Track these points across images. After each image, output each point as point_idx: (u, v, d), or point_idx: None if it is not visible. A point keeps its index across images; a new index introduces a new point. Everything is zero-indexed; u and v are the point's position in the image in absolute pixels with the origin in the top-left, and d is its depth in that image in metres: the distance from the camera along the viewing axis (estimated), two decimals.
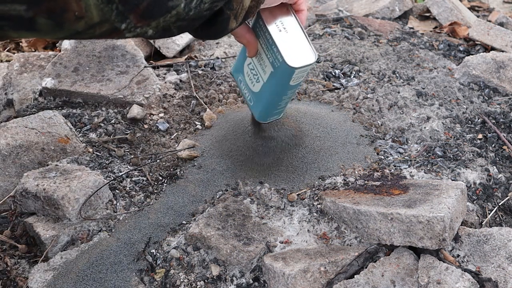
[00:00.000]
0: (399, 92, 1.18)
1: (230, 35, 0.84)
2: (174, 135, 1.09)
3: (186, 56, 1.36)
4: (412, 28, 1.62)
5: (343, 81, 1.27)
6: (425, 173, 0.95)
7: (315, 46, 1.42)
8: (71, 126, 1.07)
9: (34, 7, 0.47)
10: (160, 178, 0.97)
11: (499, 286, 0.73)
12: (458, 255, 0.79)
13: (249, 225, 0.84)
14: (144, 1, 0.54)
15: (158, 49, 1.40)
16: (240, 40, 0.86)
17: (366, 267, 0.76)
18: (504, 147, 1.04)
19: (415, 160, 0.99)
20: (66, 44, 1.27)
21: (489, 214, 0.91)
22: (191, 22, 0.63)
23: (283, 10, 0.83)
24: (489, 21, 1.72)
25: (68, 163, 0.98)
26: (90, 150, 1.03)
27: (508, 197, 0.94)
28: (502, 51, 1.40)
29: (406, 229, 0.75)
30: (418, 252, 0.78)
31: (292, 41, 0.82)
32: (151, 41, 1.41)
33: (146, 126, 1.11)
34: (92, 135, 1.07)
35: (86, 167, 0.95)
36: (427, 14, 1.73)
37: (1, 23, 0.47)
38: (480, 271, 0.76)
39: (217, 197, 0.91)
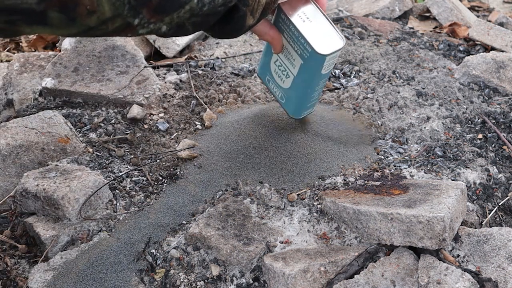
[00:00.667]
0: (399, 92, 1.18)
1: (251, 33, 0.83)
2: (174, 135, 1.09)
3: (186, 56, 1.36)
4: (412, 28, 1.62)
5: (343, 81, 1.27)
6: (425, 173, 0.95)
7: None
8: (71, 126, 1.07)
9: (46, 0, 0.46)
10: (160, 178, 0.97)
11: (499, 286, 0.73)
12: (458, 255, 0.79)
13: (249, 225, 0.84)
14: None
15: (158, 49, 1.40)
16: (263, 38, 0.85)
17: (366, 267, 0.76)
18: (504, 147, 1.04)
19: (415, 160, 0.99)
20: (66, 44, 1.27)
21: (489, 214, 0.91)
22: (205, 18, 0.61)
23: (302, 0, 0.83)
24: (489, 21, 1.72)
25: (68, 163, 0.98)
26: (90, 150, 1.03)
27: (508, 197, 0.94)
28: (502, 51, 1.40)
29: (406, 229, 0.75)
30: (418, 252, 0.78)
31: (317, 29, 0.82)
32: (151, 41, 1.41)
33: (146, 126, 1.11)
34: (92, 135, 1.07)
35: (86, 167, 0.95)
36: (427, 14, 1.73)
37: (13, 17, 0.47)
38: (480, 271, 0.76)
39: (217, 197, 0.91)
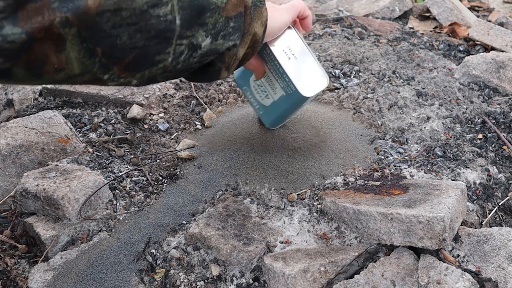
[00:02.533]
0: (399, 92, 1.18)
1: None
2: (174, 135, 1.09)
3: None
4: (412, 28, 1.62)
5: (343, 81, 1.27)
6: (425, 173, 0.95)
7: (315, 47, 1.42)
8: (71, 126, 1.07)
9: (11, 60, 0.45)
10: (160, 178, 0.97)
11: (499, 286, 0.73)
12: (458, 255, 0.79)
13: (249, 225, 0.84)
14: (130, 55, 0.52)
15: None
16: (246, 67, 0.84)
17: (366, 267, 0.76)
18: (504, 147, 1.04)
19: (415, 160, 0.99)
20: None
21: (489, 214, 0.91)
22: (178, 73, 0.60)
23: (287, 32, 0.82)
24: (489, 21, 1.72)
25: (68, 163, 0.98)
26: (90, 150, 1.03)
27: (508, 197, 0.94)
28: (502, 51, 1.40)
29: (406, 229, 0.75)
30: (418, 252, 0.78)
31: (302, 68, 0.81)
32: None
33: (146, 126, 1.11)
34: (92, 135, 1.07)
35: (86, 167, 0.95)
36: (427, 14, 1.73)
37: None
38: (480, 271, 0.76)
39: (217, 197, 0.91)
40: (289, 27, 0.83)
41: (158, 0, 0.52)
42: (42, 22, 0.45)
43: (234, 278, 0.77)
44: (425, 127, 1.08)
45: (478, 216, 0.90)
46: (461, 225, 0.83)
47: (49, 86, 1.17)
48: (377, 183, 0.89)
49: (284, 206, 0.88)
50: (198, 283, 0.77)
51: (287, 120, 0.97)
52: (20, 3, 0.44)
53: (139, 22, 0.51)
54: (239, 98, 1.19)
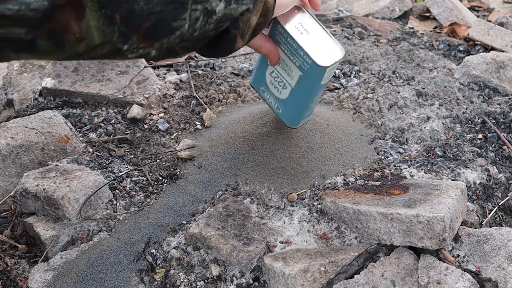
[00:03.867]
0: (399, 92, 1.18)
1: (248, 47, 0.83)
2: (174, 135, 1.09)
3: (186, 56, 1.36)
4: (412, 28, 1.62)
5: (343, 81, 1.27)
6: (425, 173, 0.95)
7: None
8: (71, 126, 1.07)
9: (34, 29, 0.46)
10: (160, 178, 0.97)
11: (499, 286, 0.73)
12: (458, 255, 0.79)
13: (249, 225, 0.84)
14: (147, 21, 0.53)
15: None
16: (259, 51, 0.84)
17: (366, 267, 0.76)
18: (504, 147, 1.04)
19: (415, 160, 0.99)
20: None
21: (489, 214, 0.91)
22: (195, 42, 0.62)
23: (297, 11, 0.83)
24: (489, 21, 1.72)
25: (68, 163, 0.98)
26: (90, 150, 1.03)
27: (508, 197, 0.94)
28: (502, 51, 1.40)
29: (406, 229, 0.75)
30: (418, 252, 0.78)
31: (316, 41, 0.82)
32: None
33: (146, 126, 1.11)
34: (92, 135, 1.07)
35: (86, 167, 0.95)
36: (427, 14, 1.73)
37: (1, 45, 0.46)
38: (480, 271, 0.76)
39: (217, 197, 0.91)
40: (298, 7, 0.83)
41: None
42: None
43: (234, 278, 0.77)
44: (425, 127, 1.08)
45: (478, 216, 0.90)
46: (461, 225, 0.83)
47: (49, 86, 1.17)
48: (377, 183, 0.89)
49: (284, 206, 0.88)
50: (198, 283, 0.77)
51: (307, 116, 0.95)
52: None
53: None
54: (239, 98, 1.19)
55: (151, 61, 1.34)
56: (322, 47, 0.82)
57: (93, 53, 0.53)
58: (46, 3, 0.45)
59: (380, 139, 1.06)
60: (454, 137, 1.06)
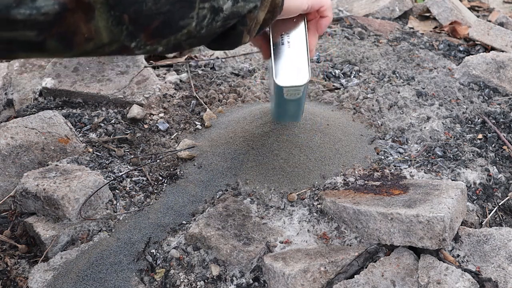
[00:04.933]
0: (399, 92, 1.18)
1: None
2: (174, 135, 1.09)
3: (186, 56, 1.36)
4: (412, 28, 1.62)
5: (343, 81, 1.27)
6: (425, 173, 0.95)
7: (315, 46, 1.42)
8: (71, 126, 1.07)
9: (45, 32, 0.47)
10: (160, 178, 0.97)
11: (499, 286, 0.73)
12: (458, 255, 0.79)
13: (249, 225, 0.84)
14: (155, 21, 0.54)
15: None
16: (254, 45, 0.87)
17: (366, 267, 0.76)
18: (504, 147, 1.04)
19: (415, 160, 0.99)
20: None
21: (489, 214, 0.91)
22: (202, 39, 0.62)
23: (297, 21, 0.81)
24: (489, 21, 1.72)
25: (68, 163, 0.98)
26: (90, 150, 1.03)
27: (508, 197, 0.94)
28: (502, 51, 1.40)
29: (406, 229, 0.75)
30: (418, 252, 0.78)
31: (291, 57, 0.79)
32: None
33: (146, 126, 1.11)
34: (92, 135, 1.07)
35: (86, 167, 0.95)
36: (427, 14, 1.73)
37: (12, 46, 0.47)
38: (480, 271, 0.76)
39: (217, 197, 0.91)
40: (302, 18, 0.81)
41: None
42: None
43: (234, 278, 0.77)
44: (425, 127, 1.08)
45: (478, 216, 0.90)
46: (461, 225, 0.83)
47: (49, 86, 1.17)
48: (377, 183, 0.89)
49: (284, 206, 0.88)
50: (198, 283, 0.77)
51: (288, 118, 0.96)
52: None
53: None
54: (239, 98, 1.19)
55: (151, 61, 1.34)
56: (292, 66, 0.79)
57: (101, 50, 0.53)
58: (56, 7, 0.46)
59: (380, 139, 1.06)
60: (454, 137, 1.06)
